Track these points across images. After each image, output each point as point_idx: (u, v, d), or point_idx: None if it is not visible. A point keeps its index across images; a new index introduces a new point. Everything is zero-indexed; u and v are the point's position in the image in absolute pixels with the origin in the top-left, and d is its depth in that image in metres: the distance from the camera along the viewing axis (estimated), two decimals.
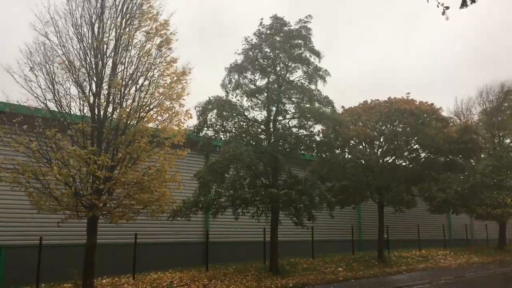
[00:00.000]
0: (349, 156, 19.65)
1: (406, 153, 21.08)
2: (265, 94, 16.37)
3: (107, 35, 10.90)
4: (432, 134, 19.19)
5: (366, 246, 25.26)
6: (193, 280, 14.36)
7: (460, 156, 21.09)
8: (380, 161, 20.65)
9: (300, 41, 16.62)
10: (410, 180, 20.97)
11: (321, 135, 16.92)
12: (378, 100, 21.57)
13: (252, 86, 16.54)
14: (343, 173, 19.00)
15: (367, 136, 19.77)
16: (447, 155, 20.80)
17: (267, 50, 16.47)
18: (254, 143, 16.12)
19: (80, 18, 10.73)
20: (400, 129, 20.01)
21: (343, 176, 19.37)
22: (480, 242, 33.25)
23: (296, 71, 16.90)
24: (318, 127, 17.05)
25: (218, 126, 15.97)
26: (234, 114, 16.07)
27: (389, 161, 20.90)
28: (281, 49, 16.35)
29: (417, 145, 20.68)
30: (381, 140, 20.79)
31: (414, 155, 21.23)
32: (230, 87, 16.33)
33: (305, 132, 16.55)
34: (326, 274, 16.71)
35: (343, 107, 21.49)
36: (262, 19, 16.66)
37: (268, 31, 16.65)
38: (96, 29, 10.84)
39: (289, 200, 15.29)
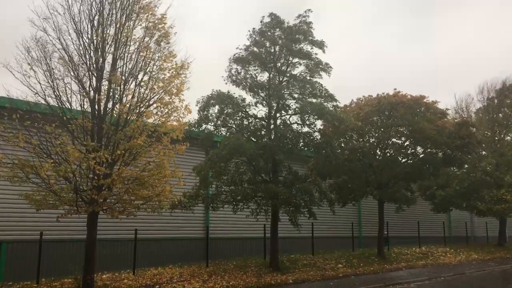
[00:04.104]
0: (347, 152, 19.56)
1: (404, 148, 21.01)
2: (267, 87, 16.35)
3: (107, 30, 10.87)
4: (425, 128, 18.97)
5: (366, 242, 25.30)
6: (193, 275, 14.40)
7: (459, 152, 20.89)
8: (378, 154, 20.54)
9: (300, 36, 16.58)
10: (409, 176, 20.89)
11: (318, 134, 16.91)
12: (370, 96, 21.54)
13: (253, 81, 16.53)
14: (342, 168, 18.93)
15: (357, 127, 19.68)
16: (444, 149, 20.64)
17: (267, 44, 16.46)
18: (254, 139, 16.15)
19: (79, 13, 10.69)
20: (391, 121, 19.87)
21: (341, 172, 19.31)
22: (480, 239, 33.32)
23: (297, 66, 16.89)
24: (319, 123, 17.09)
25: (219, 121, 16.01)
26: (236, 110, 16.07)
27: (388, 155, 20.79)
28: (281, 43, 16.33)
29: (411, 138, 20.51)
30: (373, 132, 20.79)
31: (411, 148, 21.13)
32: (233, 77, 16.43)
33: (305, 130, 16.57)
34: (326, 271, 16.74)
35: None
36: (263, 17, 16.68)
37: (268, 28, 16.60)
38: (96, 25, 10.81)
39: (289, 197, 15.27)
